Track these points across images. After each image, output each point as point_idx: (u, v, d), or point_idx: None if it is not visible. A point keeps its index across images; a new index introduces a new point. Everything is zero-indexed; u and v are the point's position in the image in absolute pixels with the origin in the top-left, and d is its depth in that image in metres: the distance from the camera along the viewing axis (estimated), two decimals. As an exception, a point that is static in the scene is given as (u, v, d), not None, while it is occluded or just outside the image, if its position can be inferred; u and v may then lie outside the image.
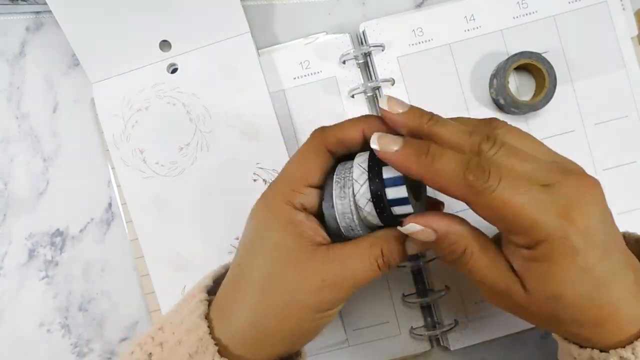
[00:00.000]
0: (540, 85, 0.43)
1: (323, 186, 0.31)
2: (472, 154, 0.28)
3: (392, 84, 0.44)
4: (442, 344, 0.44)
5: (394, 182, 0.29)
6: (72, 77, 0.47)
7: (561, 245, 0.26)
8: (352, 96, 0.44)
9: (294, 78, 0.45)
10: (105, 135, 0.45)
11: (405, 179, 0.29)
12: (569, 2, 0.44)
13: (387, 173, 0.29)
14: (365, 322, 0.44)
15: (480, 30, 0.45)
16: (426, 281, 0.44)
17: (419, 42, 0.45)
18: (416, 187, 0.31)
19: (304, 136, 0.45)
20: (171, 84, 0.45)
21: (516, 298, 0.28)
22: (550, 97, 0.42)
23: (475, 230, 0.29)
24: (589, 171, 0.44)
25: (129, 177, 0.45)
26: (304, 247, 0.30)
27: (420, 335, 0.43)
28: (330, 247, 0.30)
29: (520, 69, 0.44)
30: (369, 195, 0.29)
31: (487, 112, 0.44)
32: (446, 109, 0.44)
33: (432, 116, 0.29)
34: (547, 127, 0.44)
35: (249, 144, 0.44)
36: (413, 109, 0.30)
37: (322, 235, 0.31)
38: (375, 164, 0.29)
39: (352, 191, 0.30)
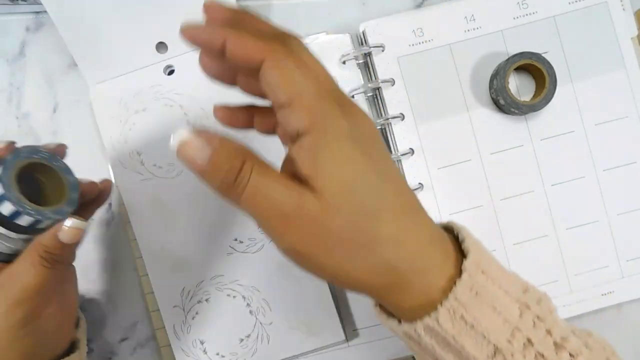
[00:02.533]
0: (540, 86, 0.43)
1: None
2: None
3: (392, 84, 0.44)
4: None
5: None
6: (72, 77, 0.47)
7: (308, 100, 0.25)
8: (352, 96, 0.44)
9: (294, 78, 0.45)
10: (102, 137, 0.45)
11: (10, 193, 0.31)
12: (569, 3, 0.44)
13: None
14: (365, 322, 0.44)
15: (481, 31, 0.44)
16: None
17: (419, 43, 0.45)
18: (37, 190, 0.34)
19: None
20: (168, 85, 0.45)
21: (309, 209, 0.25)
22: (551, 98, 0.42)
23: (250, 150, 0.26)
24: (590, 172, 0.44)
25: (127, 179, 0.44)
26: None
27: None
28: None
29: (520, 69, 0.44)
30: None
31: (487, 112, 0.44)
32: (446, 109, 0.44)
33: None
34: (547, 127, 0.44)
35: (247, 144, 0.44)
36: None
37: None
38: None
39: None
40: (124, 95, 0.45)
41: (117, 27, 0.43)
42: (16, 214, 0.31)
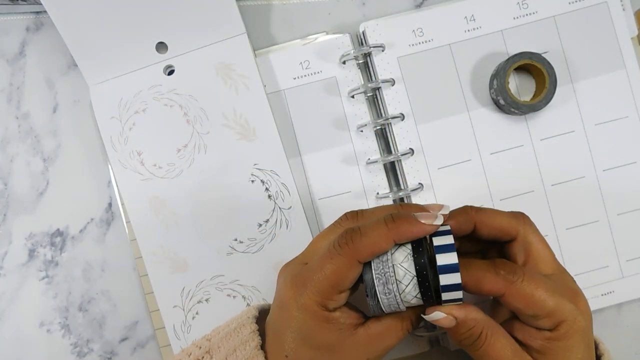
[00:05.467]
0: (540, 86, 0.43)
1: (362, 278, 0.33)
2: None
3: (392, 85, 0.44)
4: (441, 344, 0.44)
5: (449, 270, 0.31)
6: (72, 77, 0.47)
7: (575, 325, 0.32)
8: (352, 96, 0.44)
9: (294, 78, 0.45)
10: (103, 137, 0.45)
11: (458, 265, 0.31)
12: (569, 3, 0.44)
13: (441, 261, 0.31)
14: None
15: (481, 31, 0.44)
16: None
17: (419, 43, 0.45)
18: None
19: (302, 136, 0.45)
20: (168, 85, 0.45)
21: None
22: (551, 98, 0.42)
23: (489, 318, 0.33)
24: (590, 172, 0.44)
25: (127, 179, 0.44)
26: (344, 336, 0.33)
27: (420, 335, 0.43)
28: (368, 327, 0.34)
29: (520, 69, 0.44)
30: (415, 293, 0.32)
31: (487, 112, 0.44)
32: (446, 109, 0.44)
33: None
34: (547, 127, 0.44)
35: (246, 144, 0.44)
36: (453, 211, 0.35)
37: (357, 315, 0.34)
38: (425, 262, 0.32)
39: (397, 288, 0.32)
40: (124, 95, 0.45)
41: (117, 27, 0.43)
42: (450, 288, 0.31)
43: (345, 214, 0.36)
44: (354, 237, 0.32)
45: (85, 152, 0.47)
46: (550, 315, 0.31)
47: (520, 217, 0.35)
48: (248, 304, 0.44)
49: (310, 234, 0.43)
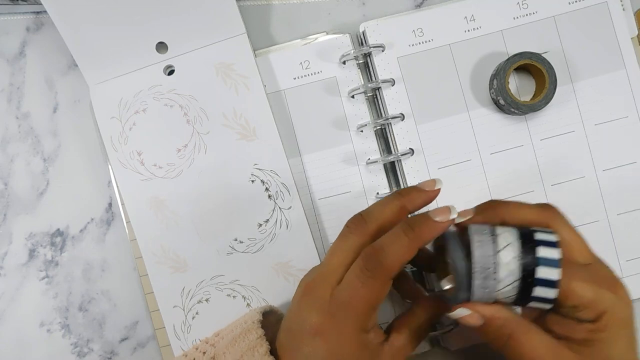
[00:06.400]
0: (540, 86, 0.43)
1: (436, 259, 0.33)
2: None
3: (392, 85, 0.44)
4: (441, 344, 0.44)
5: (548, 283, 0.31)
6: (72, 77, 0.47)
7: (616, 315, 0.31)
8: (352, 96, 0.44)
9: (294, 78, 0.45)
10: (103, 137, 0.45)
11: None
12: (569, 3, 0.44)
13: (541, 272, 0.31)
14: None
15: (481, 31, 0.44)
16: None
17: (419, 43, 0.45)
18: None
19: (302, 136, 0.45)
20: (168, 85, 0.45)
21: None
22: (551, 98, 0.42)
23: (518, 316, 0.32)
24: (590, 172, 0.44)
25: (127, 179, 0.44)
26: (373, 356, 0.34)
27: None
28: (392, 343, 0.35)
29: (520, 69, 0.44)
30: (512, 294, 0.31)
31: (487, 112, 0.44)
32: (446, 109, 0.44)
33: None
34: (547, 127, 0.44)
35: (246, 145, 0.44)
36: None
37: (381, 332, 0.35)
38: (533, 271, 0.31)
39: (495, 285, 0.31)
40: (124, 95, 0.45)
41: (117, 27, 0.43)
42: (548, 283, 0.30)
43: (351, 221, 0.35)
44: (381, 259, 0.32)
45: (85, 152, 0.47)
46: (590, 305, 0.31)
47: (548, 209, 0.34)
48: (248, 304, 0.44)
49: (310, 234, 0.43)
